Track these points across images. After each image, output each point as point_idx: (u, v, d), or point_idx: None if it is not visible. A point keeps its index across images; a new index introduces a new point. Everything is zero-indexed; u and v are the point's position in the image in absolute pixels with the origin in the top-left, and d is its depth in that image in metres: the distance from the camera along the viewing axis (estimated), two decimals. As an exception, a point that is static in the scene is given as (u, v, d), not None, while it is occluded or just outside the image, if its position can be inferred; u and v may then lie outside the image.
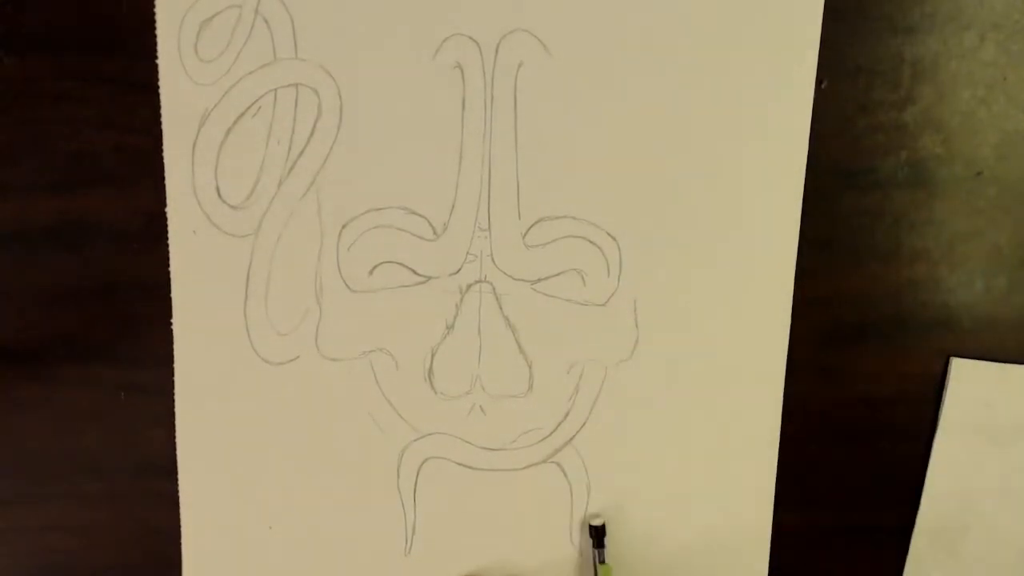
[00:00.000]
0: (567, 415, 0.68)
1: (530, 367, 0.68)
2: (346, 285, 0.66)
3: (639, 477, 0.69)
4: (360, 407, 0.68)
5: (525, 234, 0.66)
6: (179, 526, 0.70)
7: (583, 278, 0.66)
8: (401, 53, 0.64)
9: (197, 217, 0.65)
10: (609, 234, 0.66)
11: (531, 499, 0.69)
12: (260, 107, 0.64)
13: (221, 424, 0.68)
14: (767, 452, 0.69)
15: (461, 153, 0.65)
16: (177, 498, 0.69)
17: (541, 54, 0.64)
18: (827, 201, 0.66)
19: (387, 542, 0.70)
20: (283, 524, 0.70)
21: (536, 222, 0.66)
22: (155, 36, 0.64)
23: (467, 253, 0.66)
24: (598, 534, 0.69)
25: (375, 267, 0.66)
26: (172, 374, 0.68)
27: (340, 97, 0.64)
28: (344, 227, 0.66)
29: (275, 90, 0.64)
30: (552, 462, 0.69)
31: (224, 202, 0.65)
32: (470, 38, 0.63)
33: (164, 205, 0.65)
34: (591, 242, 0.66)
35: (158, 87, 0.64)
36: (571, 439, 0.69)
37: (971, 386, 0.68)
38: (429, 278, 0.66)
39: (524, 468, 0.69)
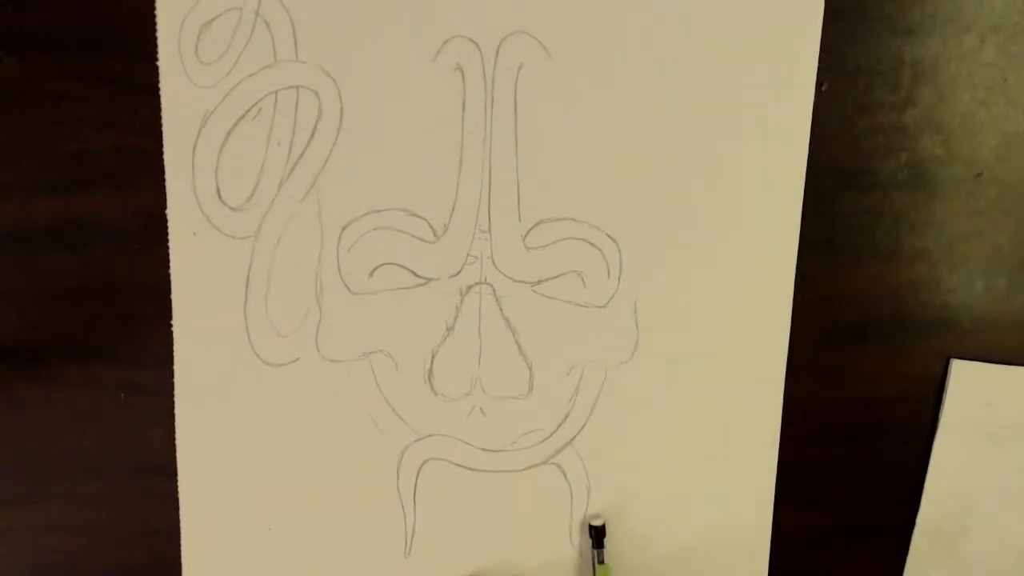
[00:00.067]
0: (567, 416, 0.68)
1: (530, 368, 0.68)
2: (346, 287, 0.66)
3: (639, 478, 0.69)
4: (360, 408, 0.68)
5: (525, 236, 0.66)
6: (179, 526, 0.70)
7: (583, 280, 0.66)
8: (401, 55, 0.64)
9: (197, 219, 0.65)
10: (609, 236, 0.66)
11: (531, 500, 0.69)
12: (260, 109, 0.64)
13: (221, 424, 0.68)
14: (767, 452, 0.69)
15: (461, 155, 0.65)
16: (177, 498, 0.70)
17: (541, 56, 0.64)
18: (827, 202, 0.66)
19: (387, 543, 0.70)
20: (283, 524, 0.70)
21: (536, 224, 0.66)
22: (155, 37, 0.63)
23: (467, 255, 0.66)
24: (598, 534, 0.69)
25: (375, 269, 0.66)
26: (172, 374, 0.68)
27: (340, 99, 0.64)
28: (344, 229, 0.66)
29: (276, 92, 0.64)
30: (552, 463, 0.69)
31: (224, 204, 0.65)
32: (470, 40, 0.63)
33: (164, 206, 0.65)
34: (591, 244, 0.66)
35: (158, 88, 0.64)
36: (571, 440, 0.69)
37: (971, 387, 0.68)
38: (429, 280, 0.66)
39: (524, 469, 0.69)
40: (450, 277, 0.66)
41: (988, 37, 0.64)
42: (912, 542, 0.71)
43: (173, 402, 0.68)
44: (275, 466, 0.69)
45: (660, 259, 0.66)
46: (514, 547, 0.70)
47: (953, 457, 0.69)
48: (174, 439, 0.69)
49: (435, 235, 0.66)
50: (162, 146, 0.65)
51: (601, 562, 0.69)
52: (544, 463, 0.69)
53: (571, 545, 0.70)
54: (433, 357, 0.67)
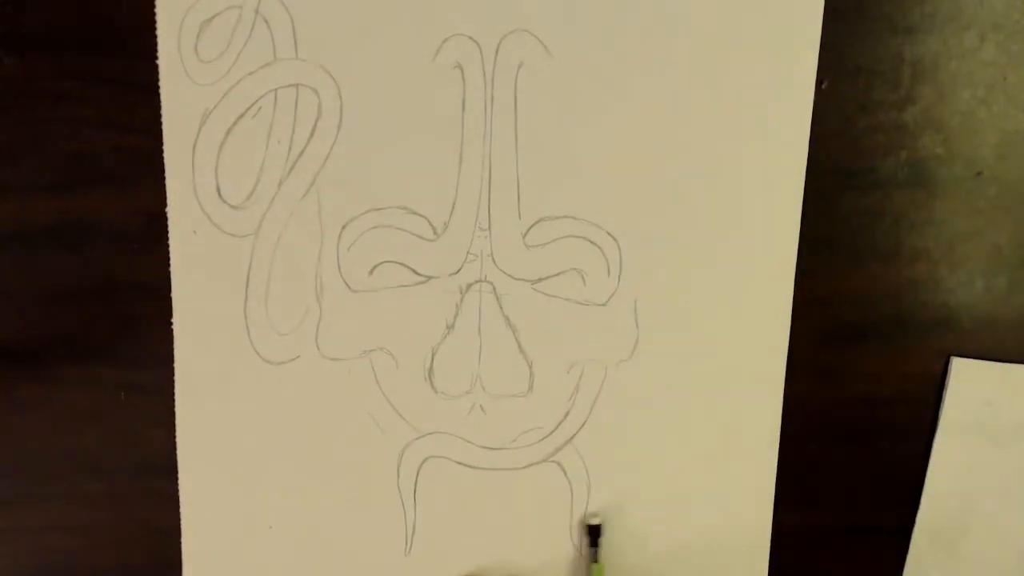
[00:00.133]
0: (567, 415, 0.68)
1: (530, 367, 0.68)
2: (346, 285, 0.66)
3: (639, 477, 0.69)
4: (360, 407, 0.68)
5: (525, 234, 0.66)
6: (179, 526, 0.70)
7: (583, 278, 0.66)
8: (401, 53, 0.64)
9: (197, 217, 0.66)
10: (609, 234, 0.66)
11: (531, 498, 0.69)
12: (260, 107, 0.64)
13: (221, 424, 0.68)
14: (767, 452, 0.69)
15: (461, 153, 0.65)
16: (177, 498, 0.70)
17: (541, 54, 0.64)
18: (827, 201, 0.66)
19: (387, 542, 0.70)
20: (283, 524, 0.70)
21: (536, 222, 0.66)
22: (155, 36, 0.64)
23: (467, 253, 0.66)
24: (593, 533, 0.69)
25: (375, 267, 0.66)
26: (172, 374, 0.68)
27: (340, 97, 0.64)
28: (344, 227, 0.66)
29: (275, 90, 0.64)
30: (552, 461, 0.69)
31: (224, 202, 0.65)
32: (470, 38, 0.63)
33: (164, 205, 0.66)
34: (591, 242, 0.66)
35: (158, 87, 0.64)
36: (571, 438, 0.69)
37: (971, 386, 0.68)
38: (429, 278, 0.66)
39: (524, 467, 0.69)
40: (450, 275, 0.66)
41: (988, 35, 0.64)
42: (912, 542, 0.71)
43: (173, 402, 0.68)
44: (275, 465, 0.69)
45: (660, 258, 0.66)
46: (514, 545, 0.70)
47: (953, 457, 0.69)
48: (174, 439, 0.69)
49: (435, 233, 0.66)
50: (162, 145, 0.65)
51: (595, 561, 0.69)
52: (544, 461, 0.69)
53: (571, 543, 0.70)
54: (433, 355, 0.67)
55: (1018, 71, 0.64)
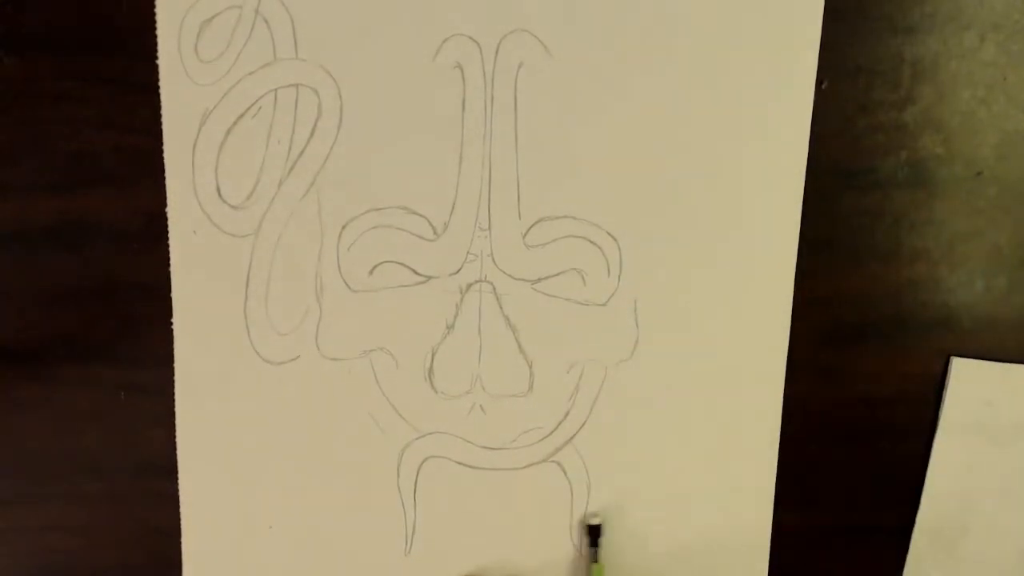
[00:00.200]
0: (567, 414, 0.68)
1: (530, 367, 0.68)
2: (346, 285, 0.66)
3: (639, 477, 0.69)
4: (360, 407, 0.68)
5: (525, 234, 0.66)
6: (179, 526, 0.70)
7: (583, 278, 0.66)
8: (401, 53, 0.64)
9: (197, 217, 0.66)
10: (609, 234, 0.66)
11: (531, 498, 0.69)
12: (260, 107, 0.64)
13: (221, 424, 0.68)
14: (767, 452, 0.69)
15: (461, 153, 0.65)
16: (177, 498, 0.70)
17: (541, 54, 0.64)
18: (827, 201, 0.66)
19: (387, 542, 0.70)
20: (283, 524, 0.70)
21: (536, 222, 0.66)
22: (155, 36, 0.64)
23: (467, 253, 0.66)
24: (593, 533, 0.69)
25: (375, 267, 0.66)
26: (172, 374, 0.68)
27: (340, 97, 0.64)
28: (344, 227, 0.66)
29: (275, 90, 0.64)
30: (552, 461, 0.69)
31: (224, 202, 0.65)
32: (470, 38, 0.63)
33: (164, 205, 0.66)
34: (591, 242, 0.66)
35: (158, 87, 0.64)
36: (571, 438, 0.69)
37: (971, 386, 0.68)
38: (429, 278, 0.66)
39: (524, 467, 0.69)
40: (450, 275, 0.66)
41: (988, 35, 0.64)
42: (912, 542, 0.71)
43: (173, 402, 0.68)
44: (275, 465, 0.69)
45: (660, 258, 0.66)
46: (514, 545, 0.70)
47: (953, 457, 0.69)
48: (174, 439, 0.69)
49: (435, 233, 0.66)
50: (162, 145, 0.65)
51: (595, 561, 0.69)
52: (544, 461, 0.69)
53: (571, 543, 0.70)
54: (433, 355, 0.67)
55: (1018, 71, 0.64)
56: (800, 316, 0.67)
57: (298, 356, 0.67)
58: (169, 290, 0.66)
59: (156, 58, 0.64)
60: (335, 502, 0.69)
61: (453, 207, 0.65)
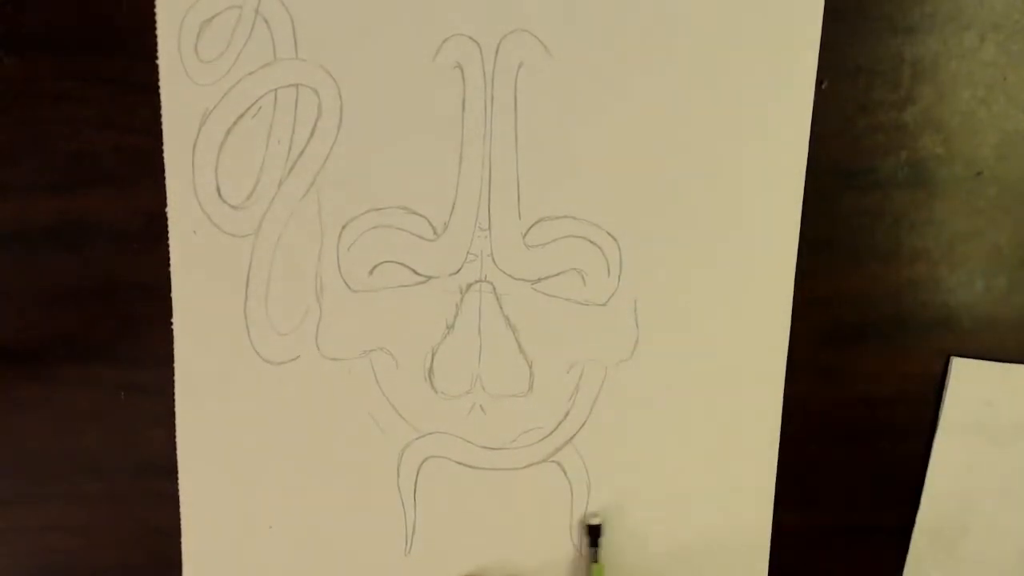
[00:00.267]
0: (567, 415, 0.68)
1: (530, 367, 0.68)
2: (346, 285, 0.66)
3: (639, 477, 0.69)
4: (360, 407, 0.68)
5: (525, 234, 0.66)
6: (179, 526, 0.70)
7: (583, 278, 0.66)
8: (401, 53, 0.64)
9: (197, 217, 0.66)
10: (609, 234, 0.66)
11: (531, 498, 0.69)
12: (260, 107, 0.64)
13: (221, 424, 0.68)
14: (767, 452, 0.69)
15: (461, 153, 0.65)
16: (177, 498, 0.70)
17: (541, 54, 0.64)
18: (827, 201, 0.66)
19: (387, 542, 0.70)
20: (283, 524, 0.70)
21: (536, 222, 0.66)
22: (155, 36, 0.64)
23: (467, 253, 0.66)
24: (593, 533, 0.69)
25: (375, 267, 0.66)
26: (172, 374, 0.68)
27: (340, 97, 0.64)
28: (344, 227, 0.66)
29: (275, 90, 0.64)
30: (552, 461, 0.69)
31: (224, 202, 0.65)
32: (470, 38, 0.63)
33: (164, 205, 0.66)
34: (591, 242, 0.66)
35: (158, 87, 0.64)
36: (571, 438, 0.69)
37: (971, 386, 0.68)
38: (429, 278, 0.66)
39: (524, 467, 0.69)
40: (450, 275, 0.66)
41: (988, 35, 0.64)
42: (912, 542, 0.71)
43: (173, 402, 0.68)
44: (275, 465, 0.69)
45: (660, 258, 0.66)
46: (514, 545, 0.70)
47: (953, 457, 0.69)
48: (174, 439, 0.69)
49: (435, 233, 0.66)
50: (162, 145, 0.65)
51: (595, 561, 0.69)
52: (544, 461, 0.69)
53: (571, 543, 0.70)
54: (433, 355, 0.67)
55: (1018, 71, 0.64)
56: (800, 316, 0.67)
57: (298, 356, 0.67)
58: (169, 290, 0.67)
59: (156, 58, 0.64)
60: (335, 502, 0.69)
61: (453, 207, 0.65)
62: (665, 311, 0.67)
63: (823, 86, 0.65)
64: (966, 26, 0.64)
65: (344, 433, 0.68)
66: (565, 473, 0.69)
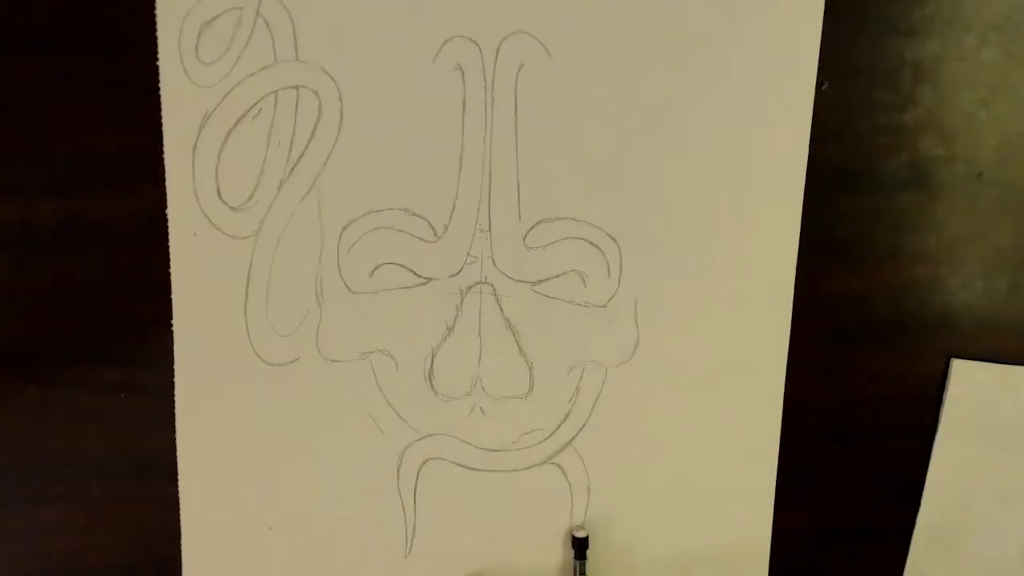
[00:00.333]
0: (567, 416, 0.68)
1: (530, 368, 0.68)
2: (346, 286, 0.66)
3: (639, 477, 0.69)
4: (360, 408, 0.68)
5: (525, 235, 0.66)
6: (179, 527, 0.70)
7: (583, 279, 0.66)
8: (402, 55, 0.64)
9: (197, 219, 0.65)
10: (609, 235, 0.66)
11: (531, 500, 0.69)
12: (261, 109, 0.64)
13: (221, 425, 0.68)
14: (767, 452, 0.69)
15: (462, 155, 0.65)
16: (177, 499, 0.70)
17: (542, 56, 0.64)
18: (827, 202, 0.66)
19: (387, 542, 0.70)
20: (283, 524, 0.70)
21: (536, 223, 0.66)
22: (155, 37, 0.63)
23: (467, 254, 0.66)
24: (580, 546, 0.69)
25: (375, 268, 0.66)
26: (172, 375, 0.68)
27: (341, 99, 0.64)
28: (344, 228, 0.66)
29: (276, 92, 0.64)
30: (552, 463, 0.69)
31: (225, 203, 0.65)
32: (471, 40, 0.63)
33: (164, 206, 0.65)
34: (591, 243, 0.66)
35: (158, 88, 0.64)
36: (571, 440, 0.69)
37: (971, 387, 0.68)
38: (429, 279, 0.66)
39: (524, 469, 0.69)
40: (450, 277, 0.66)
41: (989, 37, 0.64)
42: (912, 542, 0.71)
43: (173, 402, 0.68)
44: (275, 466, 0.69)
45: (660, 259, 0.66)
46: (514, 546, 0.70)
47: (953, 457, 0.69)
48: (174, 440, 0.69)
49: (435, 235, 0.66)
50: (162, 146, 0.65)
51: (583, 574, 0.69)
52: (544, 463, 0.69)
53: (571, 545, 0.70)
54: (433, 357, 0.67)
55: (1019, 73, 0.64)
56: (800, 317, 0.67)
57: (298, 358, 0.67)
58: (169, 291, 0.66)
59: (156, 59, 0.64)
60: (335, 503, 0.69)
61: (453, 209, 0.65)
62: (665, 312, 0.67)
63: (823, 87, 0.64)
64: (967, 28, 0.64)
65: (344, 435, 0.68)
66: (565, 475, 0.69)
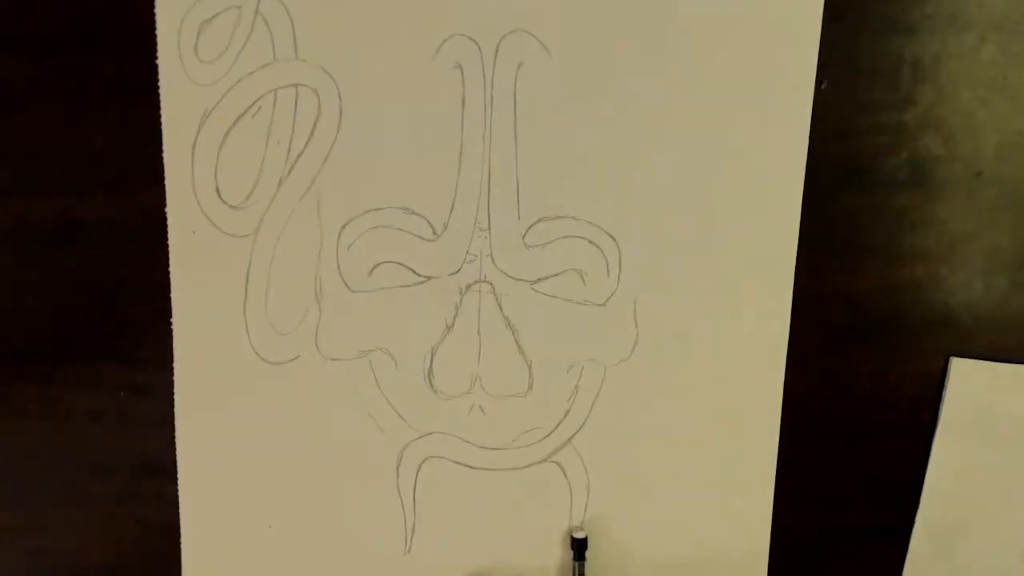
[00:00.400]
0: (567, 415, 0.68)
1: (530, 367, 0.68)
2: (346, 285, 0.66)
3: (639, 477, 0.69)
4: (360, 407, 0.68)
5: (525, 234, 0.66)
6: (179, 526, 0.70)
7: (583, 278, 0.66)
8: (401, 53, 0.64)
9: (197, 217, 0.66)
10: (608, 234, 0.66)
11: (531, 498, 0.69)
12: (260, 107, 0.64)
13: (221, 424, 0.69)
14: (767, 452, 0.69)
15: (461, 153, 0.65)
16: (177, 498, 0.70)
17: (541, 54, 0.64)
18: (827, 201, 0.66)
19: (387, 542, 0.70)
20: (283, 524, 0.70)
21: (536, 222, 0.66)
22: (155, 36, 0.64)
23: (467, 253, 0.66)
24: (579, 547, 0.69)
25: (375, 267, 0.66)
26: (172, 374, 0.68)
27: (340, 97, 0.64)
28: (344, 227, 0.66)
29: (275, 90, 0.64)
30: (552, 462, 0.69)
31: (224, 202, 0.65)
32: (470, 38, 0.63)
33: (164, 205, 0.66)
34: (591, 242, 0.66)
35: (158, 87, 0.64)
36: (570, 439, 0.69)
37: (971, 386, 0.68)
38: (429, 278, 0.66)
39: (524, 467, 0.69)
40: (450, 275, 0.66)
41: (988, 36, 0.64)
42: (912, 542, 0.71)
43: (173, 402, 0.68)
44: (275, 465, 0.69)
45: (659, 258, 0.66)
46: (514, 544, 0.70)
47: (953, 457, 0.69)
48: (174, 439, 0.69)
49: (435, 233, 0.66)
50: (162, 145, 0.65)
51: (581, 574, 0.69)
52: (544, 461, 0.69)
53: (570, 546, 0.70)
54: (433, 355, 0.67)
55: (1018, 72, 0.64)
56: (800, 316, 0.67)
57: (297, 356, 0.67)
58: (169, 290, 0.67)
59: (156, 58, 0.64)
60: (335, 502, 0.70)
61: (452, 207, 0.65)
62: (664, 311, 0.67)
63: (823, 86, 0.64)
64: (966, 27, 0.64)
65: (343, 433, 0.68)
66: (564, 473, 0.69)
